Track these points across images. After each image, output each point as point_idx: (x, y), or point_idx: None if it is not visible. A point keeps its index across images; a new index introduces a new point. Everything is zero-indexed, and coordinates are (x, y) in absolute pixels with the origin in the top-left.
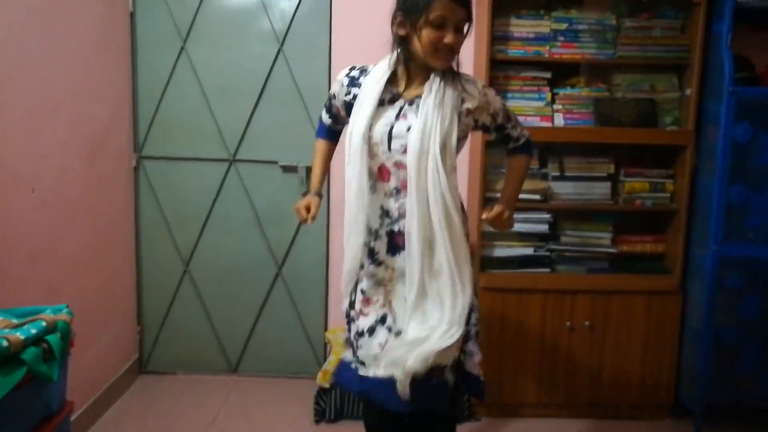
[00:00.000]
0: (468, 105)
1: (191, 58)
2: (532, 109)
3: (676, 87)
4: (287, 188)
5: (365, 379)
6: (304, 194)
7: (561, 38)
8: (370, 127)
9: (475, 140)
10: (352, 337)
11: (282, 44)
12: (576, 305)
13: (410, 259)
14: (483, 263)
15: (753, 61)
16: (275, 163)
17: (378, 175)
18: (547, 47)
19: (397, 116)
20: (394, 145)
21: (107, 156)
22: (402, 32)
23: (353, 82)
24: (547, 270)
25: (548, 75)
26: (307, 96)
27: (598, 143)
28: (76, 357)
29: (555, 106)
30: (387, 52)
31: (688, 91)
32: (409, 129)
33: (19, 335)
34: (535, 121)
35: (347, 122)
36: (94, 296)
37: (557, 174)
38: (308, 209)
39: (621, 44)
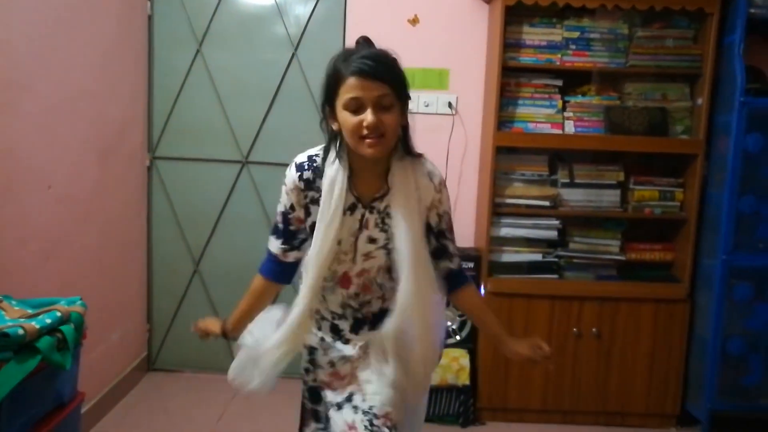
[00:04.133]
0: (425, 203)
1: (206, 61)
2: (542, 116)
3: (688, 96)
4: None
5: None
6: None
7: (573, 46)
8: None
9: (484, 146)
10: (312, 407)
11: (296, 49)
12: (583, 312)
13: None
14: (491, 268)
15: (765, 73)
16: (287, 165)
17: (340, 281)
18: (559, 55)
19: (360, 227)
20: (358, 257)
21: (121, 155)
22: (335, 126)
23: (309, 186)
24: (554, 276)
25: (559, 83)
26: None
27: (608, 151)
28: (86, 352)
29: (566, 114)
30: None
31: (700, 101)
32: (371, 240)
33: (35, 324)
34: (546, 128)
35: (307, 236)
36: (105, 293)
37: (567, 181)
38: (206, 331)
39: (633, 53)
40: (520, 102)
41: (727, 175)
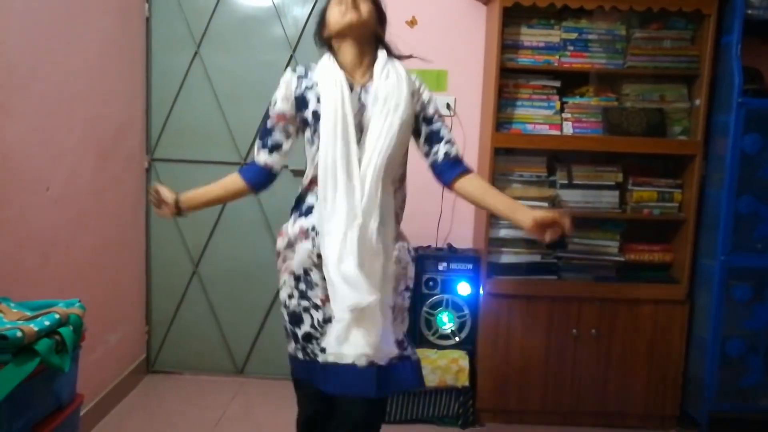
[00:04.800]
0: (411, 89)
1: (205, 63)
2: (541, 117)
3: (686, 97)
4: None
5: (328, 366)
6: None
7: (571, 47)
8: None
9: (483, 147)
10: (314, 324)
11: (294, 50)
12: (582, 313)
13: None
14: (490, 269)
15: (763, 73)
16: (285, 167)
17: None
18: (557, 56)
19: (360, 103)
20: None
21: (119, 157)
22: (325, 33)
23: (301, 78)
24: (553, 277)
25: (558, 84)
26: None
27: (606, 152)
28: (85, 354)
29: (564, 115)
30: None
31: (698, 102)
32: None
33: (33, 327)
34: (544, 129)
35: (290, 135)
36: (104, 295)
37: (565, 182)
38: (161, 196)
39: (631, 54)
40: (519, 103)
41: (725, 175)
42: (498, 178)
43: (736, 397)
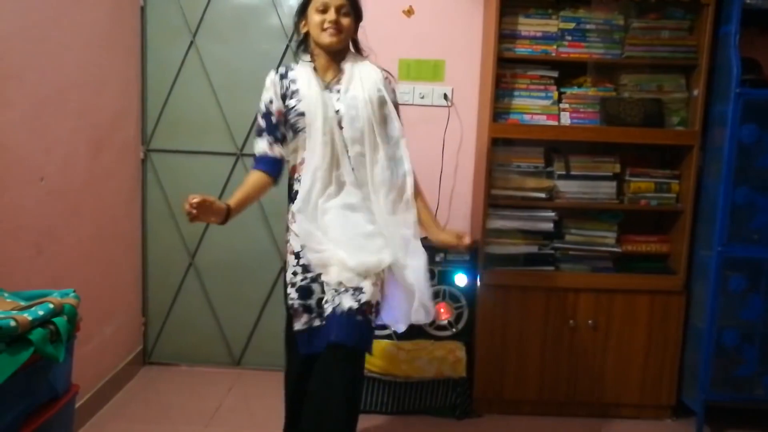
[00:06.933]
0: (373, 82)
1: (200, 53)
2: (538, 108)
3: (684, 87)
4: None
5: (321, 329)
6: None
7: (569, 37)
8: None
9: (480, 138)
10: (323, 290)
11: (290, 40)
12: (579, 304)
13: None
14: (487, 260)
15: (761, 63)
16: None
17: None
18: (555, 46)
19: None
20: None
21: (114, 148)
22: (304, 29)
23: (282, 78)
24: (551, 268)
25: (555, 74)
26: None
27: (604, 142)
28: (81, 346)
29: (562, 105)
30: (391, 50)
31: (696, 92)
32: (335, 111)
33: (27, 316)
34: (542, 120)
35: (287, 132)
36: (99, 286)
37: (563, 173)
38: (199, 203)
39: (629, 44)
40: (516, 93)
41: (722, 166)
42: (495, 169)
43: (732, 386)
